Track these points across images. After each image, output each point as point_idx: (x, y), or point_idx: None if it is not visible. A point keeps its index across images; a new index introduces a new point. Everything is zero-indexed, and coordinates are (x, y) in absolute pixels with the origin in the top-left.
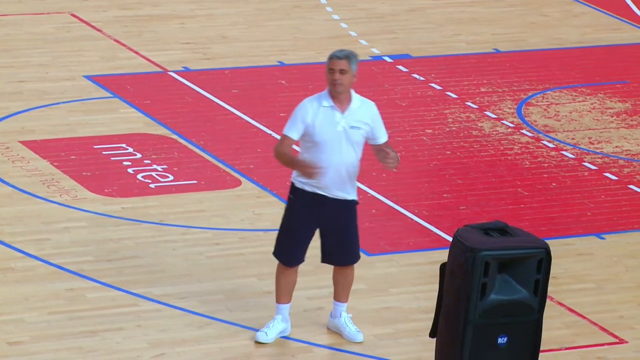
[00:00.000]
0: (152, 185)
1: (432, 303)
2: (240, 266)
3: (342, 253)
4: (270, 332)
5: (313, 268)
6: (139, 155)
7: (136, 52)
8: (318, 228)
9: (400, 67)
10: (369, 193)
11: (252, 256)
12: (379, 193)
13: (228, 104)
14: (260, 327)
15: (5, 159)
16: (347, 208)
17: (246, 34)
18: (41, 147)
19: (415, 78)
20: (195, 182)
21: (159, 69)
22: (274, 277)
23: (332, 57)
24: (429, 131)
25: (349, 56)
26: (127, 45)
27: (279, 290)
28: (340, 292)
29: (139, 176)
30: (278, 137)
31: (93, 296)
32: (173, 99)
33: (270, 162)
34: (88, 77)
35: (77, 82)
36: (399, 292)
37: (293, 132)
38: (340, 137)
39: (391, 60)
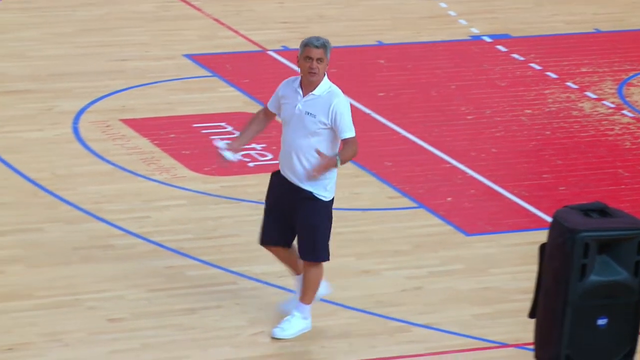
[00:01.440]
0: (250, 164)
1: (532, 284)
2: (338, 245)
3: (300, 244)
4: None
5: (411, 248)
6: (238, 134)
7: (235, 31)
8: (290, 212)
9: (500, 47)
10: (467, 173)
11: (349, 235)
12: (478, 173)
13: None
14: (360, 306)
15: (106, 137)
16: (306, 199)
17: (344, 13)
18: (141, 126)
19: (515, 58)
20: None
21: (257, 48)
22: (372, 257)
23: (309, 45)
24: (529, 111)
25: (325, 44)
26: (226, 24)
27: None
28: (301, 290)
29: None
30: (376, 116)
31: (192, 274)
32: (272, 78)
33: (368, 142)
34: (188, 56)
35: (177, 60)
36: (498, 272)
37: (270, 102)
38: (295, 119)
39: (490, 40)
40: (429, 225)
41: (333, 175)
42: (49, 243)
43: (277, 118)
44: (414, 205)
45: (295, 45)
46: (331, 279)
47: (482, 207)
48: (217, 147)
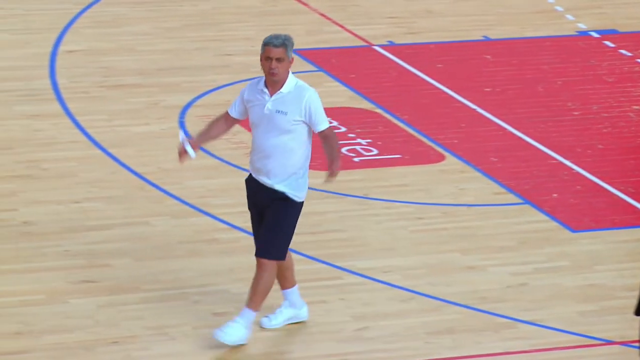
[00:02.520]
0: (356, 159)
1: (637, 280)
2: (444, 241)
3: (259, 239)
4: (275, 319)
5: (516, 244)
6: (343, 129)
7: (341, 26)
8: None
9: (607, 43)
10: (573, 169)
11: (455, 231)
12: (584, 169)
13: (432, 79)
14: (464, 302)
15: None
16: (279, 200)
17: (451, 9)
18: (247, 120)
19: (622, 54)
20: (399, 156)
21: (363, 43)
22: (477, 253)
23: (268, 44)
24: (636, 107)
25: (285, 43)
26: (333, 19)
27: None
28: (250, 294)
29: (344, 150)
30: (482, 112)
31: (297, 269)
32: (378, 73)
33: (473, 137)
34: (294, 51)
35: None
36: (603, 269)
37: (232, 109)
38: (266, 120)
39: (598, 36)
40: (534, 221)
41: (305, 175)
42: (155, 237)
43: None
44: (520, 201)
45: (402, 40)
46: (435, 274)
47: (588, 204)
48: (181, 139)
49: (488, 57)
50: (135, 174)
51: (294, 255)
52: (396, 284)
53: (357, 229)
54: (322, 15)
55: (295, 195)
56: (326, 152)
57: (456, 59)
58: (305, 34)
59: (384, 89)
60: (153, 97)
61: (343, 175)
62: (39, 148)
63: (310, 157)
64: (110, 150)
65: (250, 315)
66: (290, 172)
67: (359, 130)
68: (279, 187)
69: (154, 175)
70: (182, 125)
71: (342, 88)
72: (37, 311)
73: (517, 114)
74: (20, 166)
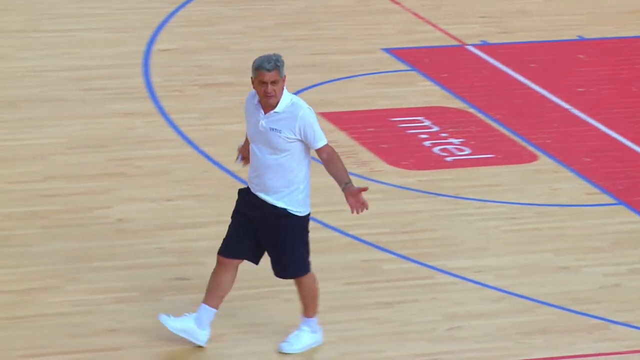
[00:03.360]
0: (448, 159)
1: None
2: (537, 241)
3: (275, 263)
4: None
5: (609, 244)
6: (435, 128)
7: (434, 25)
8: (254, 229)
9: None
10: None
11: (548, 231)
12: None
13: (526, 78)
14: (557, 302)
15: None
16: (281, 217)
17: (545, 8)
18: (339, 119)
19: None
20: (491, 155)
21: (456, 43)
22: (570, 253)
23: (260, 69)
24: None
25: (277, 65)
26: (425, 18)
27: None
28: (302, 303)
29: (436, 149)
30: (576, 112)
31: (389, 268)
32: (470, 73)
33: (567, 137)
34: (386, 50)
35: (375, 54)
36: None
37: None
38: (261, 136)
39: None
40: (628, 222)
41: (307, 188)
42: None
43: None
44: (613, 201)
45: (495, 39)
46: (528, 274)
47: None
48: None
49: (582, 56)
50: (228, 172)
51: (386, 254)
52: (488, 283)
53: (449, 229)
54: (415, 14)
55: (297, 210)
56: (332, 174)
57: (549, 58)
58: (398, 33)
59: (477, 88)
60: (246, 95)
61: (435, 175)
62: (133, 146)
63: (309, 170)
64: (203, 149)
65: (311, 321)
66: (290, 188)
67: (451, 129)
68: (279, 203)
69: (246, 173)
70: None
71: (435, 87)
72: (131, 308)
73: (611, 113)
74: (114, 164)
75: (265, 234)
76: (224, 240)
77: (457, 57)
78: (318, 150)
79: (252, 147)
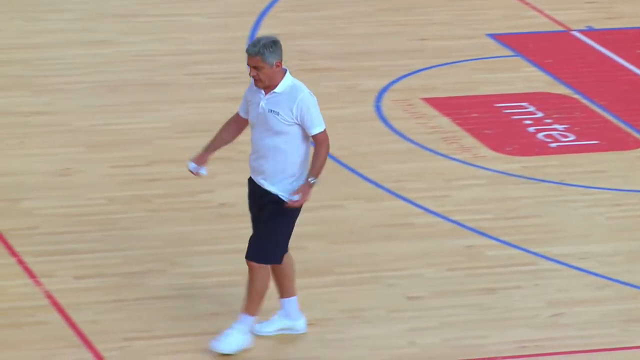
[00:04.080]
0: (552, 145)
1: None
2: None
3: (250, 242)
4: (268, 326)
5: None
6: (540, 114)
7: (539, 11)
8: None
9: None
10: None
11: None
12: None
13: (632, 64)
14: None
15: (407, 116)
16: (272, 202)
17: None
18: (443, 105)
19: None
20: (596, 142)
21: (561, 28)
22: None
23: (246, 51)
24: None
25: (261, 51)
26: (530, 3)
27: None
28: (245, 299)
29: (540, 135)
30: None
31: (492, 254)
32: (575, 59)
33: None
34: (490, 36)
35: (480, 40)
36: None
37: (241, 108)
38: (261, 119)
39: None
40: None
41: (300, 177)
42: (350, 220)
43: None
44: None
45: (601, 25)
46: (633, 262)
47: None
48: (190, 169)
49: None
50: (331, 157)
51: (489, 240)
52: (592, 270)
53: (553, 215)
54: (520, 0)
55: (290, 198)
56: (312, 160)
57: None
58: (503, 19)
59: (582, 74)
60: (348, 81)
61: (539, 161)
62: None
63: (308, 160)
64: None
65: (247, 320)
66: (285, 174)
67: (556, 115)
68: (274, 189)
69: (349, 158)
70: (378, 108)
71: (539, 73)
72: (233, 292)
73: None
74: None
75: (260, 216)
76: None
77: (563, 43)
78: (313, 137)
79: (252, 131)
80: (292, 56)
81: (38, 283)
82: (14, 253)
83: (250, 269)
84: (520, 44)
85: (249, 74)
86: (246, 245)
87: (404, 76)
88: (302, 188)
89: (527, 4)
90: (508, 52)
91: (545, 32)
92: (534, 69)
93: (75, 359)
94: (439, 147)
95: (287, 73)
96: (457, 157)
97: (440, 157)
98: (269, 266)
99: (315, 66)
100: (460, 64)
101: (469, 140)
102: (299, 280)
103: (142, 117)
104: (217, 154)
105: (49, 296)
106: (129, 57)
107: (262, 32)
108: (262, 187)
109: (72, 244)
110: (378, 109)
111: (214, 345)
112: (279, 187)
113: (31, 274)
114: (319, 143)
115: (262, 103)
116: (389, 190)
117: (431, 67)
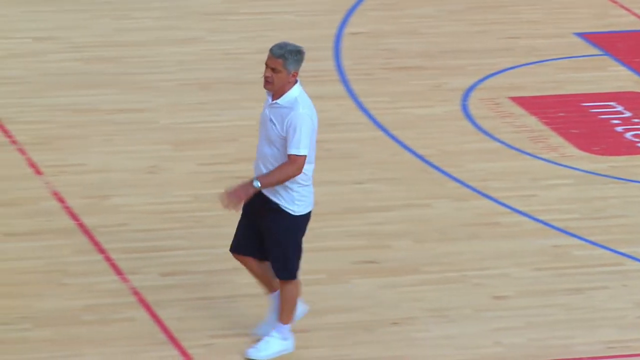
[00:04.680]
0: None
1: None
2: None
3: (272, 261)
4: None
5: None
6: (628, 114)
7: (628, 10)
8: (259, 222)
9: None
10: None
11: None
12: None
13: None
14: None
15: (494, 115)
16: (272, 211)
17: None
18: (530, 104)
19: None
20: None
21: None
22: None
23: (270, 50)
24: None
25: (285, 55)
26: (619, 2)
27: None
28: (278, 309)
29: (628, 135)
30: None
31: (579, 254)
32: None
33: None
34: (578, 35)
35: (567, 39)
36: None
37: None
38: (263, 124)
39: None
40: None
41: (304, 188)
42: (436, 219)
43: None
44: None
45: None
46: None
47: None
48: None
49: None
50: (417, 156)
51: (575, 240)
52: None
53: None
54: None
55: (289, 208)
56: (272, 169)
57: None
58: (592, 18)
59: None
60: (436, 79)
61: (627, 161)
62: (323, 129)
63: (309, 174)
64: (393, 132)
65: (283, 327)
66: (283, 184)
67: None
68: (272, 197)
69: (435, 157)
70: (464, 107)
71: (628, 72)
72: (318, 290)
73: None
74: None
75: (262, 226)
76: (234, 237)
77: None
78: (288, 156)
79: (259, 133)
80: (379, 55)
81: (125, 280)
82: (101, 250)
83: (280, 284)
84: (608, 43)
85: (264, 74)
86: (333, 243)
87: (491, 75)
88: (239, 186)
89: (615, 2)
90: (596, 51)
91: (634, 31)
92: (622, 68)
93: (161, 355)
94: (526, 147)
95: (296, 87)
96: (543, 156)
97: (526, 156)
98: (296, 280)
99: (402, 65)
100: (547, 62)
101: (556, 140)
102: (384, 278)
103: (229, 115)
104: None
105: (136, 293)
106: (217, 55)
107: (349, 30)
108: (263, 193)
109: (159, 241)
110: (465, 108)
111: (251, 354)
112: (278, 196)
113: (118, 271)
114: (290, 162)
115: (266, 109)
116: (475, 190)
117: (519, 66)
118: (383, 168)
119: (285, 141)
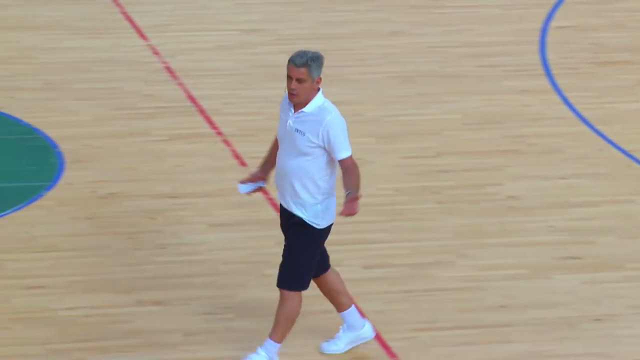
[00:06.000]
0: None
1: None
2: None
3: (280, 269)
4: (335, 344)
5: None
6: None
7: None
8: None
9: None
10: None
11: None
12: None
13: None
14: None
15: None
16: (296, 225)
17: None
18: None
19: None
20: None
21: None
22: None
23: (290, 62)
24: None
25: (308, 63)
26: None
27: None
28: (274, 323)
29: None
30: None
31: None
32: None
33: None
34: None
35: None
36: None
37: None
38: (287, 136)
39: None
40: None
41: (329, 201)
42: None
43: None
44: None
45: None
46: None
47: None
48: (242, 191)
49: None
50: (623, 151)
51: None
52: None
53: None
54: None
55: (313, 222)
56: (344, 184)
57: None
58: None
59: None
60: None
61: None
62: (527, 123)
63: (333, 184)
64: (598, 127)
65: (272, 346)
66: (308, 197)
67: None
68: (297, 211)
69: None
70: None
71: None
72: (520, 285)
73: None
74: (507, 141)
75: (286, 241)
76: None
77: None
78: (339, 162)
79: (279, 148)
80: (586, 49)
81: None
82: None
83: (280, 296)
84: None
85: (288, 87)
86: (535, 238)
87: None
88: (349, 205)
89: None
90: None
91: None
92: None
93: (361, 348)
94: None
95: (320, 93)
96: None
97: None
98: (300, 292)
99: (609, 59)
100: None
101: None
102: (587, 274)
103: (433, 108)
104: (506, 146)
105: None
106: (421, 49)
107: (555, 23)
108: (285, 207)
109: (362, 233)
110: None
111: None
112: (303, 210)
113: None
114: (345, 169)
115: (289, 121)
116: None
117: None
118: (587, 163)
119: (319, 149)
